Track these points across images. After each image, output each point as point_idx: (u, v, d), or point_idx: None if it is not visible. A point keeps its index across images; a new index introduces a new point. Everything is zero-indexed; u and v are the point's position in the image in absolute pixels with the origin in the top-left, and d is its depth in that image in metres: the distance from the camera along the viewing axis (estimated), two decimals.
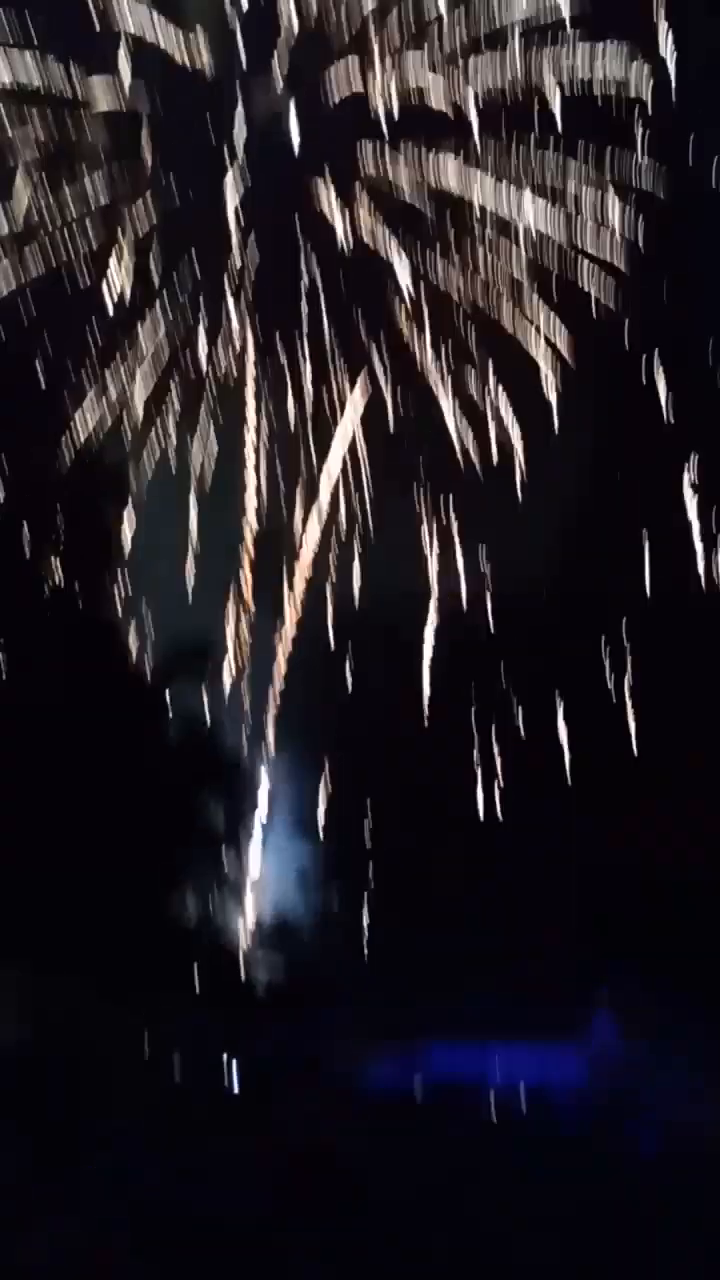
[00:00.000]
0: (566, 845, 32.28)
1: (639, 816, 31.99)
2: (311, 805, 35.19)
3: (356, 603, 35.28)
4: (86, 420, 33.67)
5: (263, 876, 34.41)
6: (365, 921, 34.25)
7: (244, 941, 33.42)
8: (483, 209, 34.23)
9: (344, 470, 35.05)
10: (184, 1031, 28.65)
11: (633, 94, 33.08)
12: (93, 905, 27.98)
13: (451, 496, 35.03)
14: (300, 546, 35.26)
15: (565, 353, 34.21)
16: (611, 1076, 29.03)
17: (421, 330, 34.59)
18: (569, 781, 33.71)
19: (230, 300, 34.75)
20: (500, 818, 34.36)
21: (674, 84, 32.53)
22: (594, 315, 34.07)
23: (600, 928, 31.61)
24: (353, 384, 34.83)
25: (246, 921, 33.80)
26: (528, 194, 33.92)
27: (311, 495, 35.23)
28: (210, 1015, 29.26)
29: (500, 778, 34.45)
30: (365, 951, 34.12)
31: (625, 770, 33.22)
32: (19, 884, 26.14)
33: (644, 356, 33.98)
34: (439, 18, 33.35)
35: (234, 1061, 29.55)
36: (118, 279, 33.92)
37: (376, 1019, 30.20)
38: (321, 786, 35.13)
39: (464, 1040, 30.88)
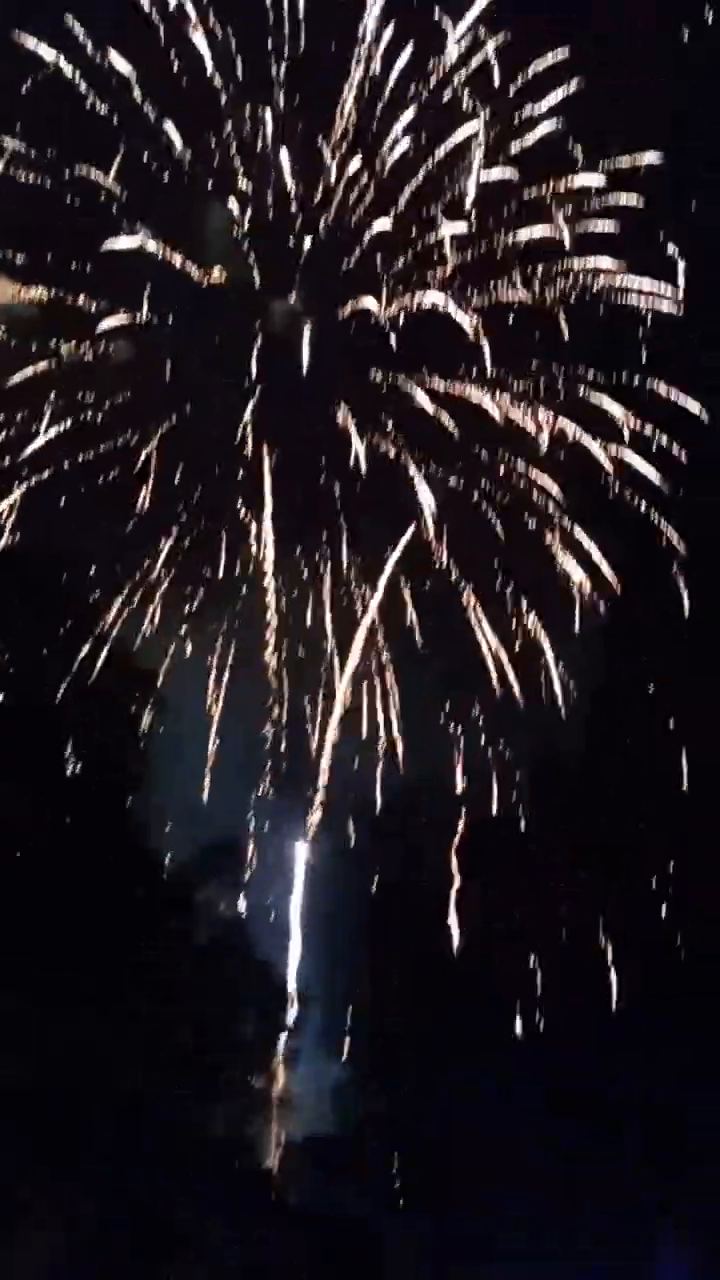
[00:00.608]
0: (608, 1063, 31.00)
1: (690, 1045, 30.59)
2: (341, 1015, 33.94)
3: (379, 801, 34.92)
4: (108, 619, 34.07)
5: (291, 1089, 32.91)
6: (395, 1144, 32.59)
7: (273, 1158, 31.79)
8: (507, 421, 35.09)
9: (366, 670, 35.28)
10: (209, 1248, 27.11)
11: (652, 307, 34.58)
12: (111, 1116, 27.05)
13: (479, 701, 34.94)
14: (323, 745, 35.14)
15: (601, 566, 34.74)
16: None
17: (442, 539, 35.23)
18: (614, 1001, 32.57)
19: (250, 510, 35.61)
20: (540, 1030, 33.01)
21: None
22: (625, 529, 34.63)
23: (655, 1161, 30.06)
24: (374, 588, 35.36)
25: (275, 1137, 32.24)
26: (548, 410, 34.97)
27: (332, 695, 35.34)
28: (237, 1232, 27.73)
29: (540, 990, 33.26)
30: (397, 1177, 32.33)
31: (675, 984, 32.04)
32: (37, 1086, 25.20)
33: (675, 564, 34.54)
34: (452, 239, 34.94)
35: None
36: (139, 491, 34.96)
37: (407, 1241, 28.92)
38: (350, 995, 33.99)
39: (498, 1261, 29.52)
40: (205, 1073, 31.02)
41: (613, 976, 32.77)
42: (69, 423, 34.61)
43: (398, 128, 34.74)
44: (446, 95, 34.53)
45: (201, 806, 34.13)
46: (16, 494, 34.06)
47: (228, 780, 34.55)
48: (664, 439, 34.29)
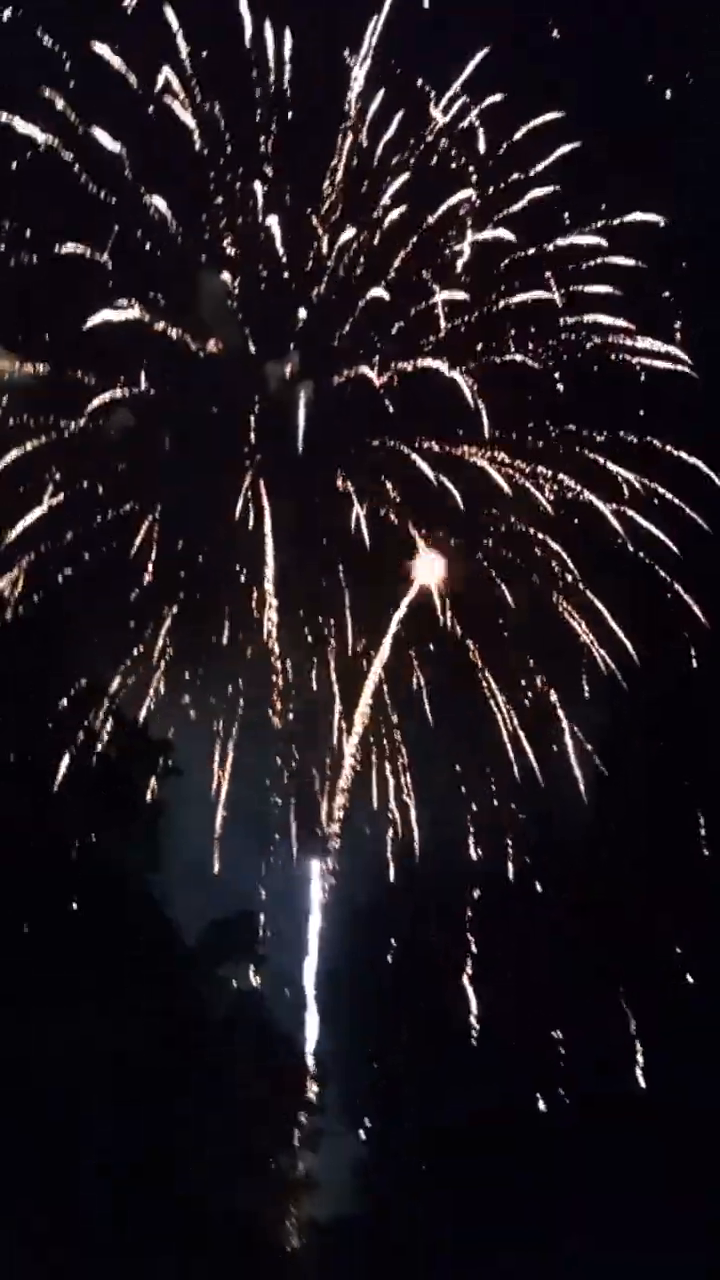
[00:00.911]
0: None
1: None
2: (360, 1089, 33.32)
3: (391, 867, 34.48)
4: (112, 689, 33.82)
5: (311, 1165, 32.17)
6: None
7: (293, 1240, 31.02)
8: (510, 483, 35.09)
9: (374, 733, 35.01)
10: None
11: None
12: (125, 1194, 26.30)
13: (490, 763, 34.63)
14: (333, 810, 34.79)
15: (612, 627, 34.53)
16: None
17: (446, 601, 35.12)
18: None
19: (251, 576, 35.49)
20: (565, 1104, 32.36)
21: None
22: (636, 591, 34.58)
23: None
24: (378, 650, 35.14)
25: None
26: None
27: (340, 759, 35.06)
28: None
29: (562, 1064, 32.66)
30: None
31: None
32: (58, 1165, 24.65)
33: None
34: (447, 304, 35.05)
35: None
36: (141, 561, 34.86)
37: None
38: (369, 1069, 33.42)
39: None
40: (225, 1153, 30.31)
41: (638, 1048, 32.10)
42: (69, 495, 34.51)
43: (389, 195, 35.10)
44: (438, 160, 34.82)
45: (212, 878, 33.70)
46: (19, 568, 33.93)
47: (237, 850, 34.16)
48: (673, 499, 34.26)
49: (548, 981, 33.35)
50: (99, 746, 32.52)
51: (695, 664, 33.83)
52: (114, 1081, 27.45)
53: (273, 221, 35.25)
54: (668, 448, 34.35)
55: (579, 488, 34.54)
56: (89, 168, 34.62)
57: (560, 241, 34.71)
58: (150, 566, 34.66)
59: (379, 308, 35.15)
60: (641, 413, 34.21)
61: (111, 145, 34.59)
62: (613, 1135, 31.23)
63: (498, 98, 34.48)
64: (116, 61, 34.41)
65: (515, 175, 34.60)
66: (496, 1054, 33.08)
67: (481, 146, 34.59)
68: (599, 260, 34.58)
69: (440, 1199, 31.56)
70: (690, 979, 33.05)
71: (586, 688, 33.96)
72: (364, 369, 35.02)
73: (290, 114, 35.27)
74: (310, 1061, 33.30)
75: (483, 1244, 30.30)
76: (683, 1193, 29.67)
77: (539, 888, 34.15)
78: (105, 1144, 27.05)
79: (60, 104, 34.40)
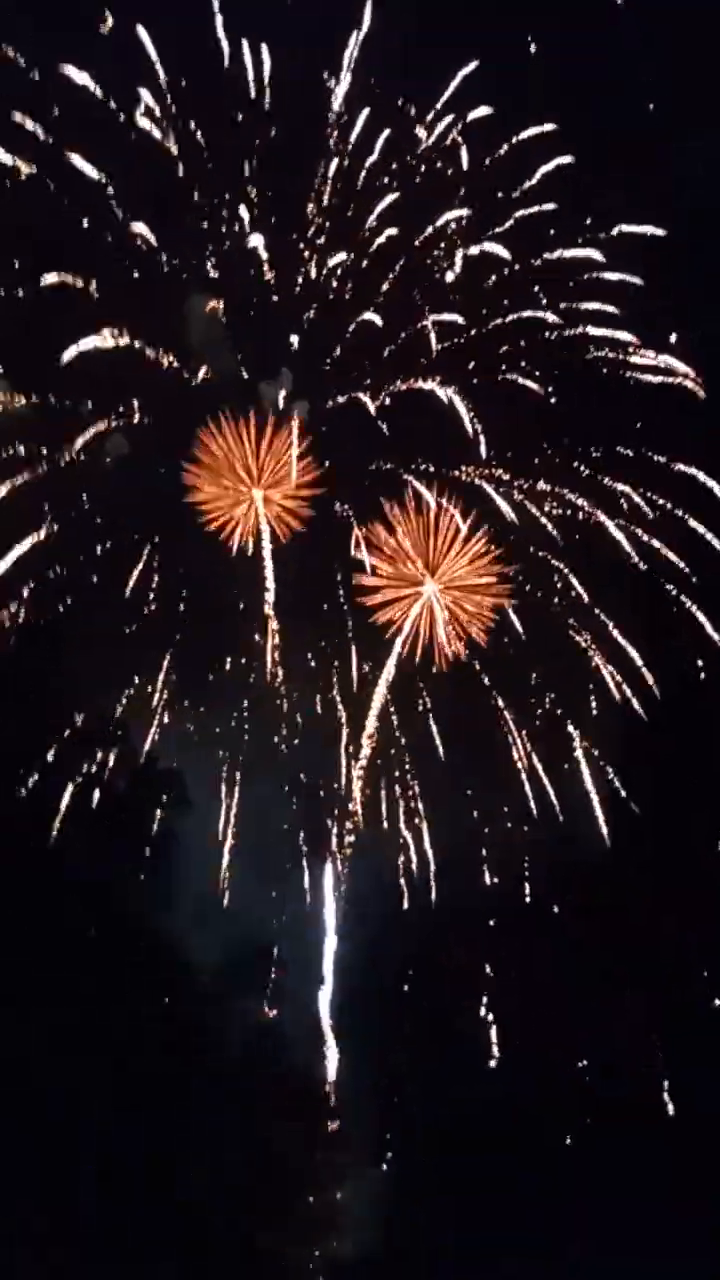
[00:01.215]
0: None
1: None
2: (380, 1123, 32.85)
3: (405, 891, 34.09)
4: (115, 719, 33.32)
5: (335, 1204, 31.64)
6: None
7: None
8: (513, 505, 34.73)
9: (383, 758, 34.62)
10: None
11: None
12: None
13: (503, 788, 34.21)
14: (343, 835, 34.40)
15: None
16: None
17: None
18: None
19: (253, 602, 35.15)
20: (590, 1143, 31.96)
21: None
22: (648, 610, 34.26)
23: None
24: (381, 671, 34.75)
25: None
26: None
27: (350, 785, 34.66)
28: None
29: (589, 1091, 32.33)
30: None
31: None
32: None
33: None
34: (440, 324, 34.79)
35: None
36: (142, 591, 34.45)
37: None
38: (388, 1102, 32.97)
39: None
40: (246, 1193, 29.81)
41: (664, 1086, 31.76)
42: (65, 525, 34.07)
43: (376, 216, 34.80)
44: (425, 178, 34.56)
45: (222, 910, 33.23)
46: (19, 599, 33.46)
47: (248, 880, 33.70)
48: (679, 513, 34.07)
49: (560, 992, 32.94)
50: (104, 777, 32.14)
51: (703, 675, 33.52)
52: (124, 1122, 27.04)
53: (259, 244, 34.97)
54: (674, 464, 34.10)
55: (580, 502, 34.29)
56: (69, 193, 34.20)
57: (553, 256, 34.50)
58: (151, 595, 34.18)
59: (370, 331, 34.87)
60: (640, 425, 33.91)
61: (91, 172, 34.19)
62: (617, 1139, 30.88)
63: (486, 110, 34.22)
64: (92, 86, 33.97)
65: (505, 191, 34.37)
66: (512, 1071, 32.63)
67: (469, 163, 34.38)
68: (594, 274, 34.41)
69: (443, 1204, 31.03)
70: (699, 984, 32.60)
71: (595, 705, 33.69)
72: (358, 393, 34.72)
73: (273, 135, 35.03)
74: (329, 1094, 32.88)
75: (486, 1249, 29.79)
76: (686, 1197, 29.45)
77: (551, 905, 33.67)
78: (111, 1168, 26.60)
79: (38, 131, 33.97)
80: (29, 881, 28.58)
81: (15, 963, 27.28)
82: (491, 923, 33.56)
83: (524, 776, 33.62)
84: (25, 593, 33.60)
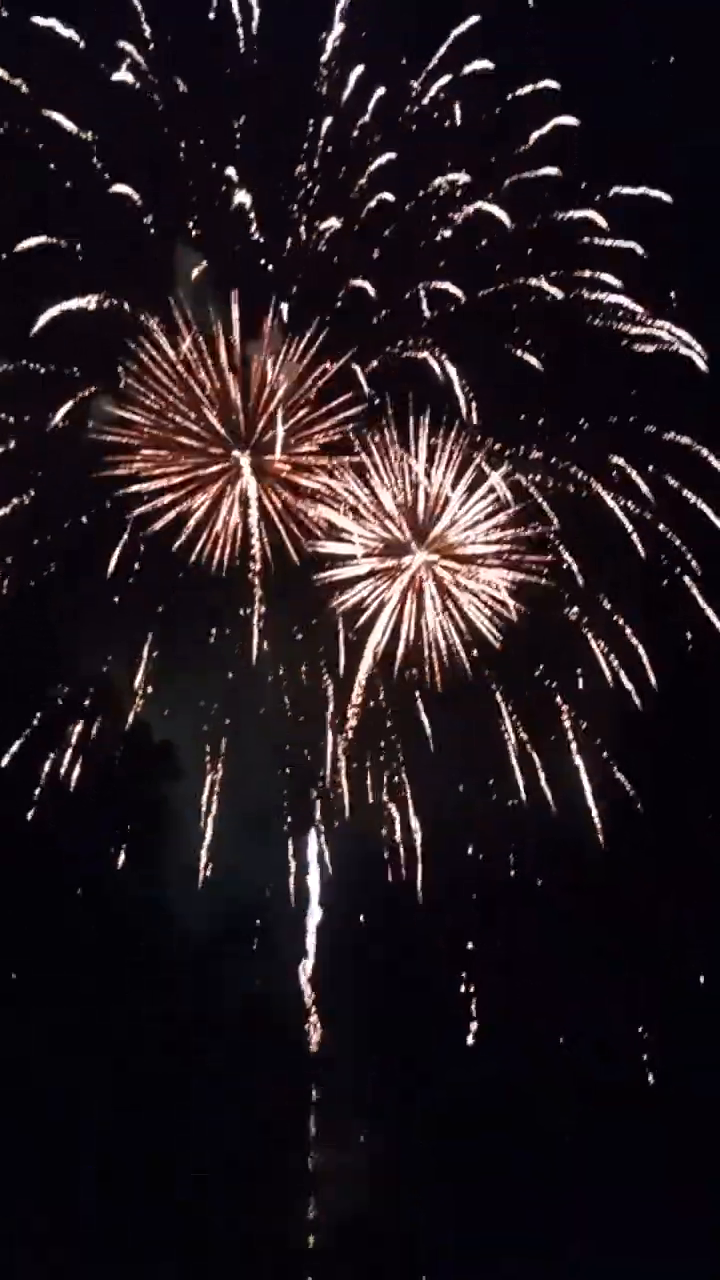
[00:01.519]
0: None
1: None
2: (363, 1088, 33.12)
3: (392, 869, 34.12)
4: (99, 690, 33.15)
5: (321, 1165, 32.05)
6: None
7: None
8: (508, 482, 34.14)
9: (370, 730, 34.42)
10: None
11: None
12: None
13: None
14: (329, 808, 34.40)
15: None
16: None
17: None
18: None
19: (242, 572, 34.81)
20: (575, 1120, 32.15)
21: None
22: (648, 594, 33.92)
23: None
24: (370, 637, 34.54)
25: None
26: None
27: (337, 757, 34.60)
28: None
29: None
30: None
31: None
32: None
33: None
34: (437, 291, 34.08)
35: None
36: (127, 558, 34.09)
37: None
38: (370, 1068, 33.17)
39: None
40: (232, 1155, 30.13)
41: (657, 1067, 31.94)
42: (50, 492, 33.63)
43: (368, 176, 34.03)
44: (420, 138, 33.73)
45: (209, 879, 33.34)
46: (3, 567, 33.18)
47: (235, 851, 33.76)
48: (680, 488, 33.64)
49: (550, 971, 33.05)
50: (88, 746, 32.10)
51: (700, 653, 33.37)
52: (115, 1086, 27.22)
53: (246, 202, 34.23)
54: (678, 437, 33.64)
55: (580, 475, 33.86)
56: (54, 152, 33.41)
57: (554, 220, 33.76)
58: (136, 562, 33.89)
59: (364, 298, 34.21)
60: (634, 393, 33.42)
61: (73, 128, 33.40)
62: (616, 1126, 31.12)
63: (485, 64, 33.31)
64: (75, 36, 33.12)
65: (504, 151, 33.56)
66: (498, 1046, 32.84)
67: (465, 122, 33.53)
68: (596, 240, 33.72)
69: (442, 1202, 31.32)
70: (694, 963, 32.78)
71: (589, 682, 33.51)
72: (350, 360, 34.06)
73: (262, 90, 34.18)
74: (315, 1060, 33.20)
75: (484, 1248, 29.95)
76: (685, 1185, 29.69)
77: (539, 880, 33.68)
78: (105, 1148, 26.85)
79: (21, 86, 33.13)
80: (21, 856, 28.71)
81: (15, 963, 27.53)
82: (475, 895, 33.58)
83: (512, 753, 33.61)
84: (10, 560, 33.33)
